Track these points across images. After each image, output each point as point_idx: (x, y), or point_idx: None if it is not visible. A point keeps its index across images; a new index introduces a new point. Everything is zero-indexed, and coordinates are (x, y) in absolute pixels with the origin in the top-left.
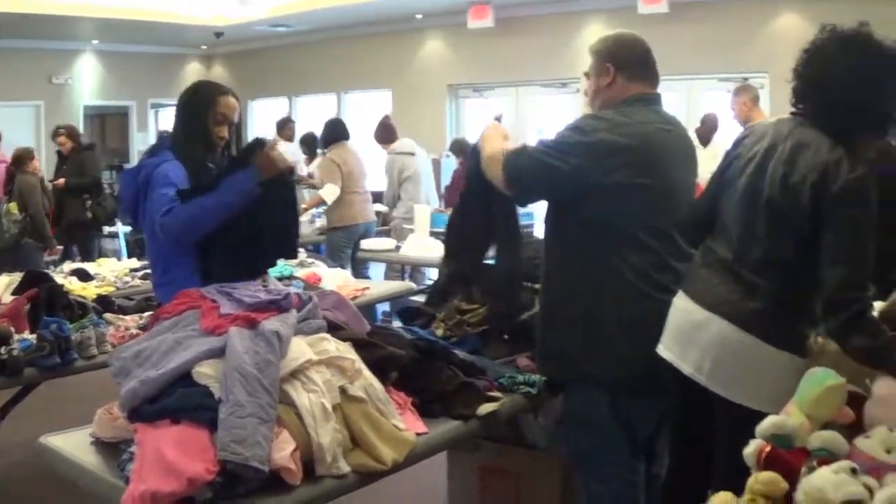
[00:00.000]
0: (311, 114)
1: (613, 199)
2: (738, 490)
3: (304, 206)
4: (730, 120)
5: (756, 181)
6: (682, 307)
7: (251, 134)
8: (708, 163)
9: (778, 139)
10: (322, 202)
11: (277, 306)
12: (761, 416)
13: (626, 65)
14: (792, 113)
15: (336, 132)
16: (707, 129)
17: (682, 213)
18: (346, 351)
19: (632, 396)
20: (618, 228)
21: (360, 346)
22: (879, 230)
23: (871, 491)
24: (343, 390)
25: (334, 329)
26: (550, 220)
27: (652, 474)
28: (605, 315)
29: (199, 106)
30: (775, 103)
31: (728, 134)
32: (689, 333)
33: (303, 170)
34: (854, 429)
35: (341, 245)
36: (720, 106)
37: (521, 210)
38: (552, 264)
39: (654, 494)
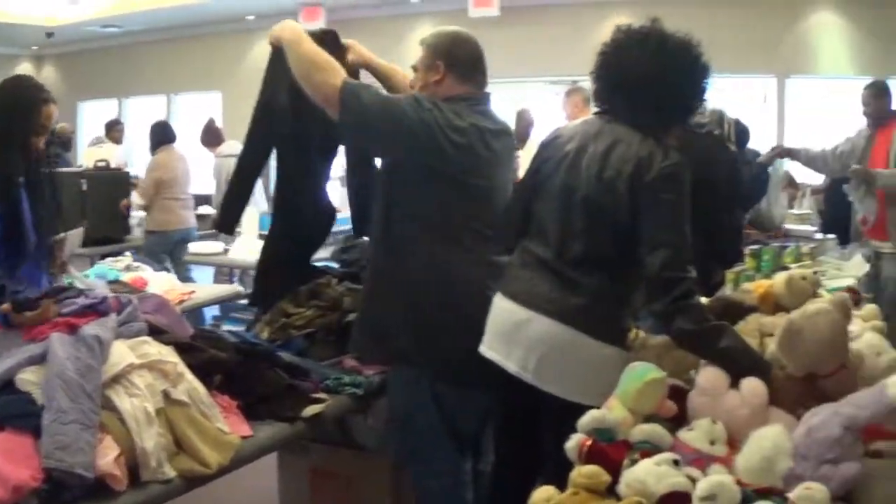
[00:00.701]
0: (142, 116)
1: (441, 192)
2: (565, 485)
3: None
4: (558, 121)
5: (570, 181)
6: (504, 307)
7: (82, 136)
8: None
9: (587, 139)
10: (136, 206)
11: (95, 310)
12: (587, 410)
13: (458, 64)
14: (596, 113)
15: (161, 135)
16: (522, 127)
17: (498, 216)
18: (168, 354)
19: (455, 391)
20: (443, 225)
21: (182, 349)
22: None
23: (694, 482)
24: (166, 394)
25: (156, 333)
26: (378, 215)
27: (479, 471)
28: (431, 311)
29: (20, 115)
30: None
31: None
32: (513, 332)
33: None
34: (680, 422)
35: (156, 250)
36: (549, 108)
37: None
38: (379, 260)
39: (481, 492)
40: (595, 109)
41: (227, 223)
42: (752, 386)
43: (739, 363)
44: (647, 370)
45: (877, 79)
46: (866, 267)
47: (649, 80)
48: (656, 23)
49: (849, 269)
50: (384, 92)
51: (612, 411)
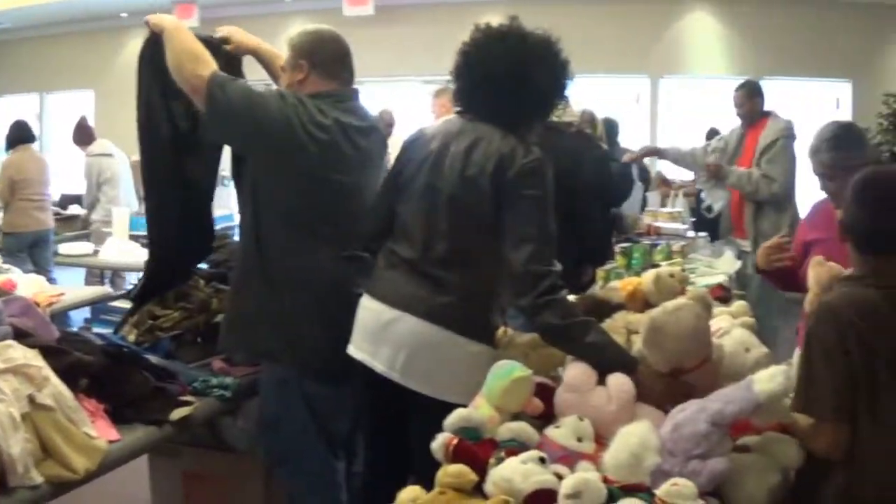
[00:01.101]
0: (13, 114)
1: (304, 188)
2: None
3: None
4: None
5: (433, 180)
6: (371, 308)
7: None
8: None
9: (450, 138)
10: None
11: None
12: (456, 409)
13: (322, 62)
14: (458, 112)
15: (17, 134)
16: (384, 126)
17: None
18: (33, 358)
19: (325, 390)
20: (306, 222)
21: (48, 353)
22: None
23: (561, 479)
24: (31, 399)
25: (21, 336)
26: (244, 211)
27: (352, 472)
28: (295, 308)
29: None
30: None
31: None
32: (380, 332)
33: None
34: (548, 420)
35: (13, 251)
36: (424, 108)
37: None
38: (246, 257)
39: (354, 493)
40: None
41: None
42: (619, 382)
43: (606, 358)
44: (512, 368)
45: (749, 79)
46: (737, 264)
47: (509, 77)
48: (515, 21)
49: (719, 266)
50: (253, 87)
51: (478, 410)
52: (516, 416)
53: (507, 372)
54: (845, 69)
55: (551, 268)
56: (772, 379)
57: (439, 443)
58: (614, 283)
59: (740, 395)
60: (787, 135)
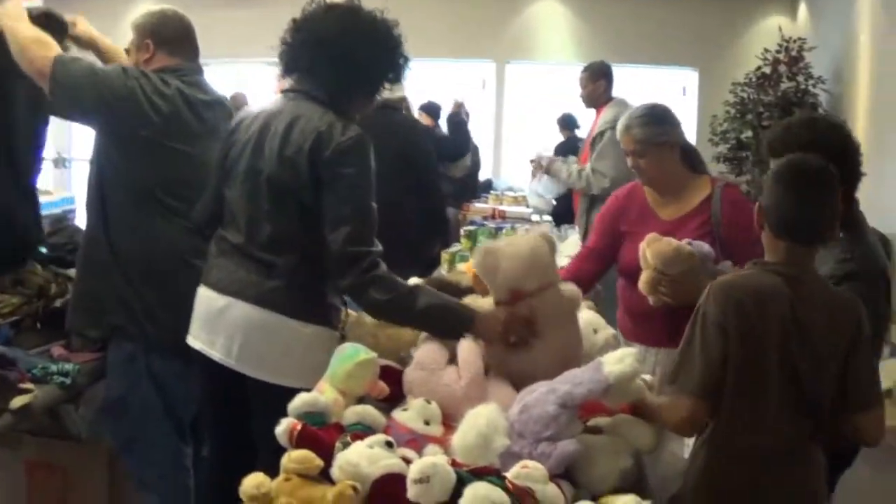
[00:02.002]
0: None
1: (147, 159)
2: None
3: None
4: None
5: (255, 162)
6: (205, 296)
7: None
8: None
9: (271, 118)
10: None
11: None
12: (296, 393)
13: (166, 41)
14: (283, 91)
15: None
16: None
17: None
18: None
19: (171, 367)
20: (149, 194)
21: None
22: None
23: (409, 463)
24: None
25: None
26: (91, 185)
27: (200, 457)
28: (139, 281)
29: None
30: None
31: None
32: (214, 320)
33: None
34: (396, 403)
35: None
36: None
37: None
38: (92, 231)
39: (202, 479)
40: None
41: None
42: (467, 357)
43: (443, 318)
44: (356, 351)
45: (595, 62)
46: (580, 247)
47: (331, 46)
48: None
49: (564, 249)
50: (96, 64)
51: (322, 394)
52: (362, 400)
53: (351, 355)
54: (692, 57)
55: (370, 248)
56: (621, 360)
57: (283, 428)
58: (460, 266)
59: (589, 377)
60: (614, 125)
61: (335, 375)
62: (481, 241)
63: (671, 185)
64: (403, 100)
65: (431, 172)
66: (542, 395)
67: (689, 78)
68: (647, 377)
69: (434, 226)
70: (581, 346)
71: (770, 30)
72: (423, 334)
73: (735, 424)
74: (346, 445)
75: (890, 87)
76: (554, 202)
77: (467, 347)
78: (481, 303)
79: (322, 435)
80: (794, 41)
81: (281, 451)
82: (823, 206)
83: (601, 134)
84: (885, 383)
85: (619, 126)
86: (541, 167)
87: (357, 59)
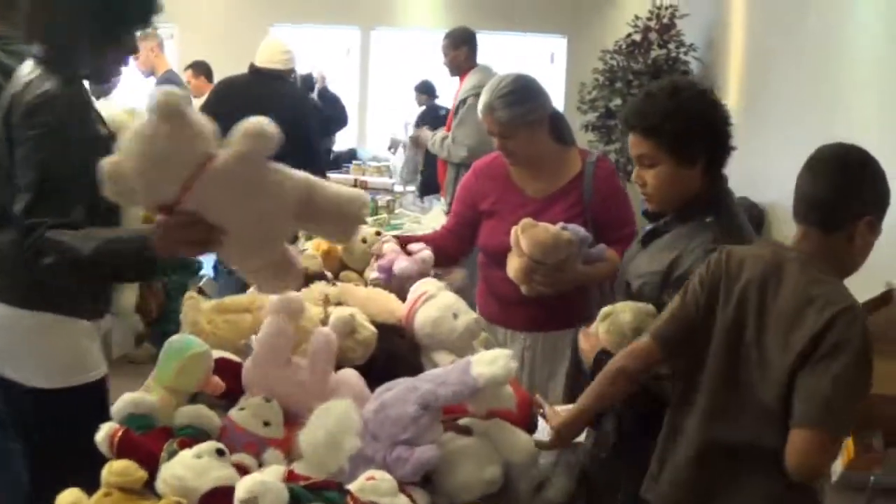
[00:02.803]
0: None
1: None
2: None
3: None
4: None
5: None
6: None
7: None
8: None
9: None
10: None
11: None
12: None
13: None
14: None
15: None
16: None
17: None
18: None
19: None
20: None
21: None
22: None
23: (245, 472)
24: None
25: None
26: None
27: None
28: None
29: None
30: (183, 55)
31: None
32: None
33: None
34: (235, 400)
35: None
36: None
37: None
38: None
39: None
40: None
41: None
42: (317, 348)
43: (119, 254)
44: (187, 343)
45: (457, 28)
46: (444, 219)
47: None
48: None
49: (427, 221)
50: None
51: (149, 393)
52: (195, 399)
53: (180, 348)
54: (560, 24)
55: (47, 218)
56: (493, 362)
57: (102, 434)
58: (307, 248)
59: (456, 377)
60: (473, 93)
61: (163, 372)
62: None
63: (541, 162)
64: (292, 71)
65: (316, 143)
66: (402, 392)
67: (557, 45)
68: (514, 364)
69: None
70: (285, 206)
71: None
72: (266, 319)
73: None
74: (171, 455)
75: (762, 54)
76: (419, 174)
77: (319, 335)
78: (331, 292)
79: (146, 442)
80: (666, 8)
81: (63, 464)
82: (837, 187)
83: (463, 101)
84: None
85: (481, 106)
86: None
87: (62, 6)
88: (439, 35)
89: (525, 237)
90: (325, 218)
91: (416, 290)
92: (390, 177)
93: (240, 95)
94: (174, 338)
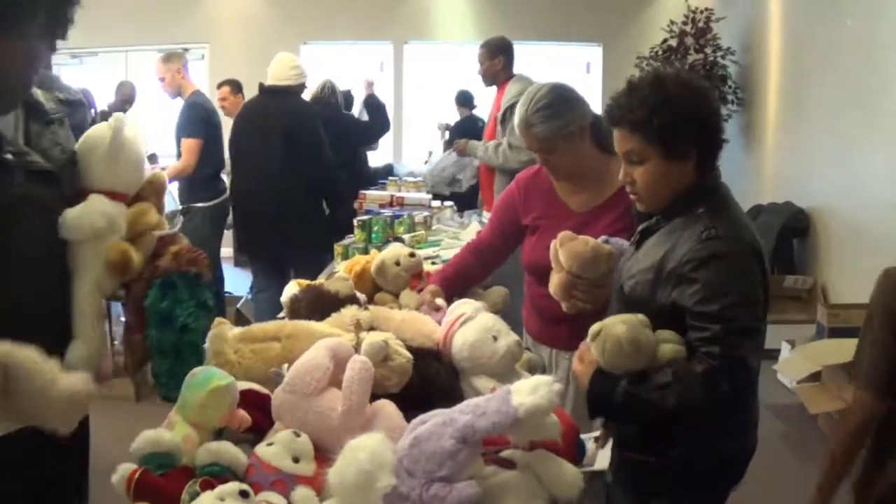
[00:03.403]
0: None
1: None
2: None
3: None
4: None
5: None
6: None
7: None
8: None
9: None
10: None
11: None
12: None
13: None
14: None
15: None
16: (118, 100)
17: None
18: None
19: None
20: None
21: None
22: None
23: None
24: None
25: None
26: None
27: None
28: None
29: None
30: (214, 73)
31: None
32: None
33: None
34: (265, 434)
35: None
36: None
37: None
38: None
39: None
40: None
41: None
42: (351, 379)
43: None
44: (209, 376)
45: (495, 37)
46: None
47: None
48: None
49: (465, 237)
50: None
51: (171, 429)
52: (220, 434)
53: (203, 381)
54: (595, 32)
55: None
56: (535, 390)
57: (119, 476)
58: (340, 270)
59: (495, 408)
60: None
61: (185, 406)
62: (376, 233)
63: (585, 173)
64: (303, 85)
65: (319, 151)
66: (438, 426)
67: (593, 54)
68: (558, 386)
69: (321, 190)
70: None
71: (675, 1)
72: (313, 344)
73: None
74: (193, 497)
75: (801, 55)
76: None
77: (354, 363)
78: (362, 316)
79: (166, 483)
80: (702, 12)
81: None
82: None
83: (510, 108)
84: (811, 366)
85: (518, 122)
86: (461, 150)
87: None
88: (472, 48)
89: (563, 251)
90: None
91: (453, 311)
92: (426, 191)
93: (249, 117)
94: (197, 370)
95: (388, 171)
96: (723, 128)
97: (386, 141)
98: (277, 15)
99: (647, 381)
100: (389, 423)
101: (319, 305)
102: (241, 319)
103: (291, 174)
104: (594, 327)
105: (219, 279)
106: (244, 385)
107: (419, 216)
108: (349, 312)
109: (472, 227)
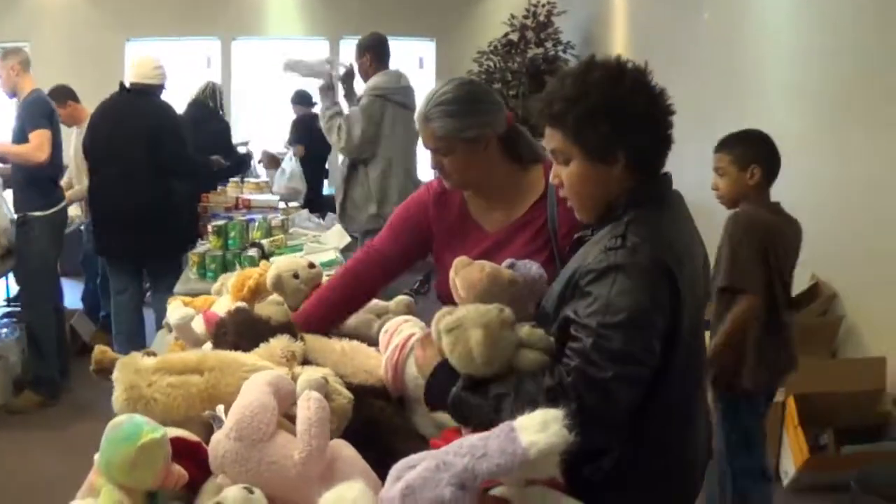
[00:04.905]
0: None
1: None
2: None
3: None
4: None
5: None
6: None
7: None
8: None
9: None
10: None
11: None
12: None
13: None
14: None
15: None
16: None
17: None
18: None
19: None
20: None
21: None
22: None
23: None
24: None
25: None
26: None
27: None
28: None
29: None
30: (36, 72)
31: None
32: None
33: None
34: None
35: None
36: None
37: None
38: None
39: None
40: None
41: None
42: (308, 419)
43: None
44: (136, 428)
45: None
46: (347, 238)
47: None
48: None
49: (330, 239)
50: None
51: (97, 495)
52: (154, 496)
53: (131, 433)
54: (428, 27)
55: None
56: (545, 427)
57: None
58: (226, 282)
59: (498, 448)
60: (376, 94)
61: (111, 466)
62: (233, 239)
63: (493, 188)
64: (162, 86)
65: (179, 146)
66: (431, 471)
67: (426, 49)
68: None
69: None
70: None
71: None
72: (242, 379)
73: None
74: None
75: (644, 50)
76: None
77: (307, 400)
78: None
79: None
80: (543, 6)
81: None
82: None
83: (358, 100)
84: None
85: (417, 114)
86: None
87: None
88: (302, 43)
89: (458, 279)
90: None
91: (395, 332)
92: (272, 193)
93: (111, 115)
94: (119, 420)
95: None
96: (665, 126)
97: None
98: (100, 11)
99: (484, 388)
100: (352, 468)
101: (249, 333)
102: (75, 337)
103: (157, 173)
104: (449, 321)
105: (58, 293)
106: (173, 432)
107: (275, 220)
108: (280, 343)
109: (335, 229)
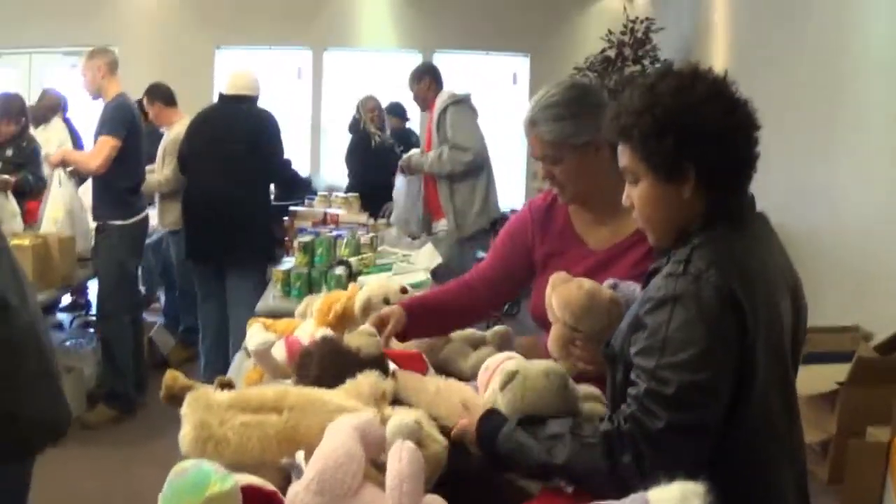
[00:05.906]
0: None
1: None
2: None
3: None
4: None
5: None
6: None
7: None
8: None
9: None
10: None
11: None
12: None
13: None
14: None
15: None
16: (43, 106)
17: None
18: None
19: None
20: None
21: None
22: None
23: None
24: None
25: None
26: None
27: None
28: None
29: None
30: (124, 77)
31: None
32: None
33: None
34: None
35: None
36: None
37: None
38: None
39: None
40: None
41: None
42: (399, 471)
43: None
44: (204, 477)
45: (421, 63)
46: (438, 258)
47: None
48: None
49: (420, 259)
50: None
51: None
52: None
53: (198, 483)
54: (522, 43)
55: None
56: (684, 501)
57: None
58: (313, 304)
59: None
60: (451, 101)
61: None
62: (320, 256)
63: (603, 201)
64: (258, 97)
65: (278, 154)
66: None
67: (520, 64)
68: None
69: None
70: None
71: (607, 10)
72: (326, 421)
73: None
74: None
75: (745, 67)
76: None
77: (398, 450)
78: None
79: None
80: (641, 22)
81: None
82: None
83: (443, 112)
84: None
85: (523, 119)
86: (405, 168)
87: None
88: (395, 55)
89: (555, 296)
90: None
91: (498, 370)
92: (361, 209)
93: (212, 121)
94: (183, 465)
95: (307, 184)
96: (743, 141)
97: (302, 151)
98: (191, 17)
99: (541, 426)
100: None
101: (334, 366)
102: (154, 351)
103: (257, 178)
104: (507, 367)
105: (137, 304)
106: (244, 479)
107: (364, 237)
108: (368, 380)
109: (427, 248)
